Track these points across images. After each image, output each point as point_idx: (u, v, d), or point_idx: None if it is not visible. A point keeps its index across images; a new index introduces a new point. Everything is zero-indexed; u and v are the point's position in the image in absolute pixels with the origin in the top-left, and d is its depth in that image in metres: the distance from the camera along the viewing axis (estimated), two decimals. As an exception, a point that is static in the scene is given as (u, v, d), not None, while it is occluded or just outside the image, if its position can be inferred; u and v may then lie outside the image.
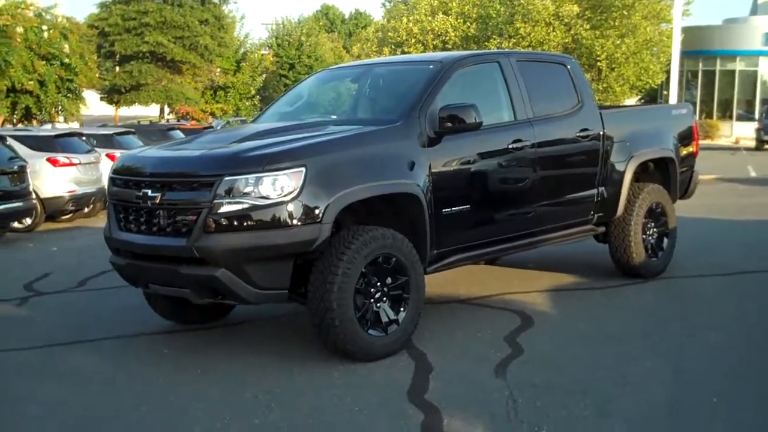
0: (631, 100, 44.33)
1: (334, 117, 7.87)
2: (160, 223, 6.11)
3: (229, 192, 5.80)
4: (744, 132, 43.42)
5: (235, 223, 5.81)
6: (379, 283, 6.21)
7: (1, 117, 24.20)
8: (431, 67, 7.32)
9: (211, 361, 6.35)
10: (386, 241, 6.16)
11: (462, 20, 36.93)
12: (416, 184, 6.47)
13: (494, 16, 36.25)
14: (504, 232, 7.45)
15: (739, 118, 46.70)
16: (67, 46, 23.85)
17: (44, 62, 22.96)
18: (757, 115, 42.17)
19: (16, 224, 14.27)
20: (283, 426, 5.08)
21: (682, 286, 8.58)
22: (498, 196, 7.39)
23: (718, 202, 15.68)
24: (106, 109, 52.72)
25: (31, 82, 22.40)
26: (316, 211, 5.88)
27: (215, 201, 5.80)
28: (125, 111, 52.40)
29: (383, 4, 48.63)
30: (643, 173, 8.84)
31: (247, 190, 5.80)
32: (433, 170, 6.62)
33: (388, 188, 6.37)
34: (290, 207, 5.82)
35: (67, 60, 23.88)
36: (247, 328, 7.41)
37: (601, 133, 8.20)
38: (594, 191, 8.18)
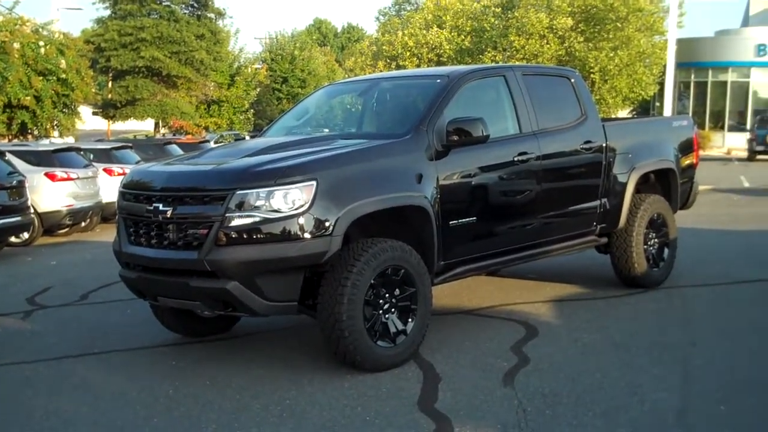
0: (624, 112, 44.59)
1: (342, 131, 7.96)
2: (171, 236, 6.17)
3: (241, 206, 5.87)
4: (736, 143, 43.73)
5: (247, 236, 5.88)
6: (387, 295, 6.28)
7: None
8: (438, 81, 7.41)
9: (220, 372, 6.40)
10: (395, 253, 6.23)
11: (456, 33, 37.15)
12: (424, 196, 6.55)
13: (488, 29, 36.49)
14: (509, 243, 7.53)
15: (731, 129, 46.98)
16: (63, 61, 23.90)
17: (41, 78, 23.00)
18: (748, 126, 42.43)
19: (13, 238, 14.32)
20: (297, 436, 5.14)
21: (683, 296, 8.66)
22: (504, 208, 7.47)
23: (715, 213, 15.80)
24: (99, 124, 52.73)
25: (28, 98, 22.43)
26: (327, 224, 5.95)
27: (227, 214, 5.87)
28: (118, 125, 52.44)
29: (377, 18, 48.87)
30: (644, 184, 8.94)
31: (258, 203, 5.86)
32: (441, 183, 6.71)
33: (396, 201, 6.44)
34: (301, 220, 5.89)
35: (63, 75, 23.92)
36: (254, 340, 7.46)
37: (604, 145, 8.30)
38: (597, 202, 8.26)
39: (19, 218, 13.42)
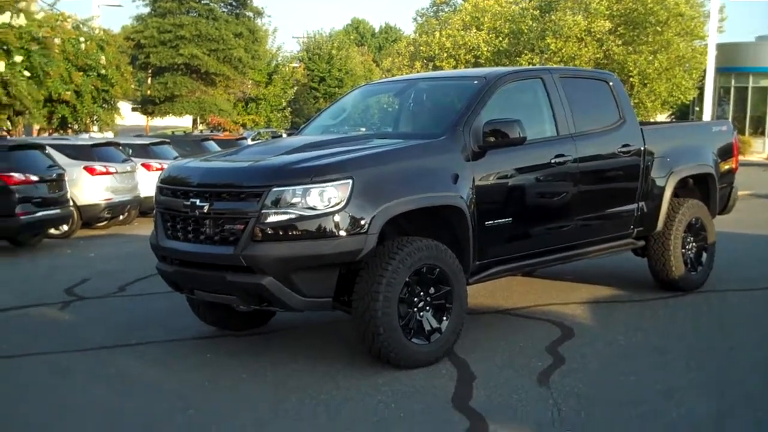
0: (663, 116, 44.20)
1: (379, 130, 7.99)
2: (208, 231, 6.21)
3: (277, 202, 5.90)
4: (776, 149, 43.18)
5: (282, 232, 5.91)
6: (422, 293, 6.28)
7: (39, 126, 24.52)
8: (476, 82, 7.39)
9: (255, 366, 6.44)
10: (430, 252, 6.23)
11: (494, 35, 37.00)
12: (460, 196, 6.54)
13: (526, 31, 36.30)
14: (545, 244, 7.51)
15: (772, 135, 46.35)
16: (103, 57, 24.07)
17: (81, 73, 23.17)
18: (789, 132, 41.94)
19: (53, 230, 14.49)
20: (330, 431, 5.15)
21: (721, 300, 8.58)
22: (539, 210, 7.45)
23: (754, 218, 15.61)
24: (138, 119, 53.21)
25: (68, 93, 22.60)
26: (362, 222, 5.96)
27: (263, 211, 5.90)
28: (156, 121, 52.86)
29: (415, 19, 48.77)
30: (683, 189, 8.86)
31: (294, 200, 5.89)
32: (477, 183, 6.70)
33: (432, 200, 6.45)
34: (337, 218, 5.91)
35: (103, 71, 24.10)
36: (290, 335, 7.50)
37: (642, 149, 8.24)
38: (634, 206, 8.21)
39: (58, 210, 13.62)
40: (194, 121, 50.45)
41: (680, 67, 36.32)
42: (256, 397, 5.74)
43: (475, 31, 37.45)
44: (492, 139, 6.77)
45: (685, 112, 50.15)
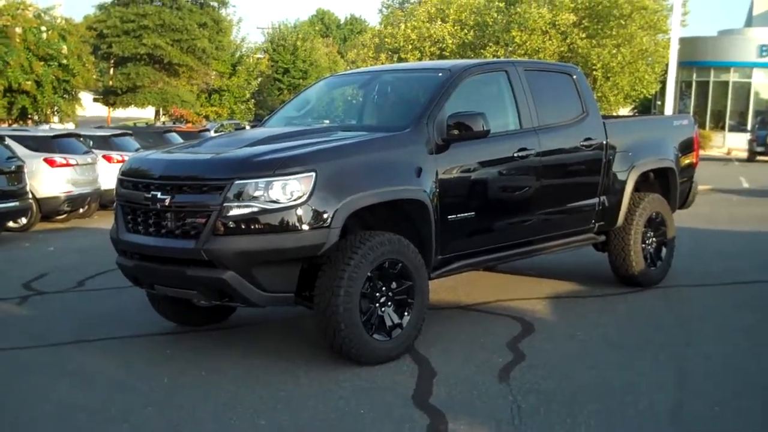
0: (625, 110, 44.54)
1: (343, 123, 7.95)
2: (169, 225, 6.15)
3: (239, 195, 5.85)
4: (736, 143, 43.66)
5: (244, 226, 5.86)
6: (384, 288, 6.27)
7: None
8: (440, 74, 7.39)
9: (216, 362, 6.39)
10: (392, 247, 6.21)
11: (459, 27, 37.03)
12: (423, 190, 6.53)
13: (491, 23, 36.35)
14: (507, 238, 7.52)
15: (732, 129, 46.88)
16: (65, 47, 23.87)
17: (42, 63, 22.96)
18: (749, 127, 42.39)
19: (11, 224, 14.29)
20: (290, 428, 5.13)
21: (680, 296, 8.65)
22: (502, 204, 7.46)
23: (714, 213, 15.76)
24: (99, 110, 52.71)
25: (29, 83, 22.38)
26: (325, 216, 5.93)
27: (225, 204, 5.85)
28: (118, 112, 52.42)
29: (380, 10, 48.72)
30: (643, 183, 8.91)
31: (257, 194, 5.85)
32: (440, 177, 6.69)
33: (395, 194, 6.43)
34: (299, 211, 5.87)
35: (64, 61, 23.89)
36: (250, 331, 7.46)
37: (604, 142, 8.27)
38: (596, 200, 8.25)
39: (17, 203, 13.43)
40: (157, 113, 50.09)
41: (643, 60, 36.58)
42: (216, 394, 5.69)
43: (440, 23, 37.47)
44: (456, 132, 6.76)
45: (647, 106, 50.69)
